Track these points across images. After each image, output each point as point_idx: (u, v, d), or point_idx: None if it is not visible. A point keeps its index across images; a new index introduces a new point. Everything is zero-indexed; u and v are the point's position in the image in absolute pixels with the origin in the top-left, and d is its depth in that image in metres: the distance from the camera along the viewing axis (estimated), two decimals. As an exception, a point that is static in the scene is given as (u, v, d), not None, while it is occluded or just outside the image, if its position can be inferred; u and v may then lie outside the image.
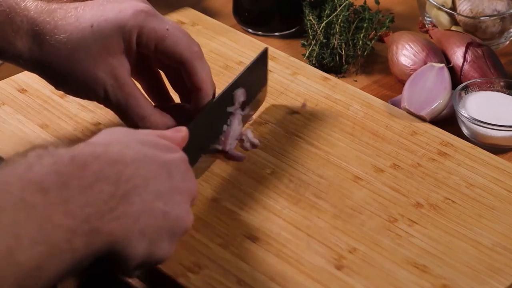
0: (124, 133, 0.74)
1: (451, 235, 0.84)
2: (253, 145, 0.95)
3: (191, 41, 0.87)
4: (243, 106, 0.94)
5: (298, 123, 0.99)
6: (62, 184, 0.65)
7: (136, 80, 0.90)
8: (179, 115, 0.89)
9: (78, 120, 0.97)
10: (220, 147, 0.92)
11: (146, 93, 0.91)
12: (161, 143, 0.75)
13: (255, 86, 0.98)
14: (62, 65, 0.85)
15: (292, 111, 1.00)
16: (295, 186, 0.89)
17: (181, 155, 0.75)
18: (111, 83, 0.85)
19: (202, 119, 0.87)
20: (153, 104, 0.89)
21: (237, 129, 0.94)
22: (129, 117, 0.86)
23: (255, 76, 0.96)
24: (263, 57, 0.98)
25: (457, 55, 1.07)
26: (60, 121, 0.97)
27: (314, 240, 0.83)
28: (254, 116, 0.99)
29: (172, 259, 0.79)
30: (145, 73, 0.92)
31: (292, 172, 0.91)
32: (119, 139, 0.72)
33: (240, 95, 0.93)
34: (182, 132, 0.79)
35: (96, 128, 0.96)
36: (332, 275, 0.79)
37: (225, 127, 0.92)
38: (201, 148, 0.88)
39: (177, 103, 0.94)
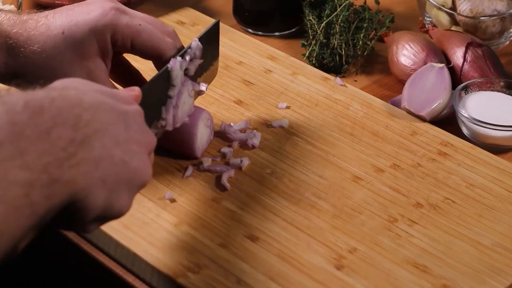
0: (81, 81, 0.71)
1: (451, 235, 0.84)
2: (252, 146, 0.94)
3: (162, 33, 0.87)
4: (194, 77, 0.91)
5: (298, 123, 0.99)
6: (17, 134, 0.61)
7: (116, 82, 0.90)
8: None
9: (78, 120, 0.97)
10: (163, 123, 0.86)
11: None
12: (118, 94, 0.72)
13: (208, 58, 0.94)
14: (39, 75, 0.84)
15: (292, 111, 1.00)
16: (295, 186, 0.89)
17: (137, 107, 0.72)
18: None
19: (156, 82, 0.84)
20: None
21: (187, 101, 0.89)
22: None
23: (207, 48, 0.92)
24: (214, 29, 0.95)
25: (457, 55, 1.07)
26: (60, 121, 0.97)
27: (314, 240, 0.83)
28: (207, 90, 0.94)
29: (172, 259, 0.79)
30: (123, 75, 0.92)
31: (292, 172, 0.91)
32: (75, 85, 0.69)
33: (195, 47, 0.89)
34: (135, 91, 0.76)
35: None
36: (332, 275, 0.79)
37: (173, 93, 0.87)
38: (153, 114, 0.85)
39: None
